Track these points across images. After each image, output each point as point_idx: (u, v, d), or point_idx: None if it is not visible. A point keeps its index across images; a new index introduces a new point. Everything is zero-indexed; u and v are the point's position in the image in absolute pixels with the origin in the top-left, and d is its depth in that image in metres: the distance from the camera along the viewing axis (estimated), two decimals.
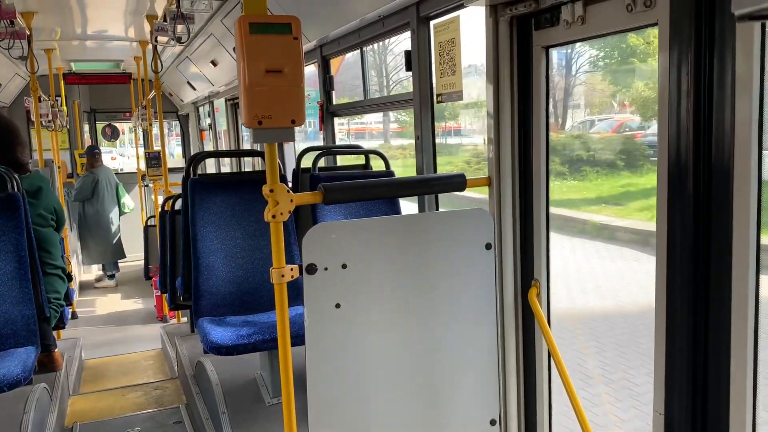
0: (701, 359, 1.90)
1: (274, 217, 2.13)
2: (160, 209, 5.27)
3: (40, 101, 6.71)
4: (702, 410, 1.91)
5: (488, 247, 2.50)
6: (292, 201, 2.15)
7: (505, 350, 2.66)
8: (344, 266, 2.26)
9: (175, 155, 13.93)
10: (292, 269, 2.18)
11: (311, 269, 2.21)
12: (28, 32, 5.26)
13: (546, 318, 2.52)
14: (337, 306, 2.27)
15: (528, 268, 2.61)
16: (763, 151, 1.70)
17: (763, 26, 1.65)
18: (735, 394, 1.81)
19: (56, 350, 4.20)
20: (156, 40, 5.16)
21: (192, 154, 4.82)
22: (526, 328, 2.64)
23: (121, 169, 13.10)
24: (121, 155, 16.89)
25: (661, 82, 1.88)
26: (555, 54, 2.54)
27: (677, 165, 1.86)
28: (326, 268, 2.23)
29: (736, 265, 1.76)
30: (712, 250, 1.84)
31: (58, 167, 7.39)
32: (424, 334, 2.42)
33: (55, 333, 5.56)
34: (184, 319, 6.41)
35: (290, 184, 3.94)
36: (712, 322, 1.87)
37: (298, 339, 2.77)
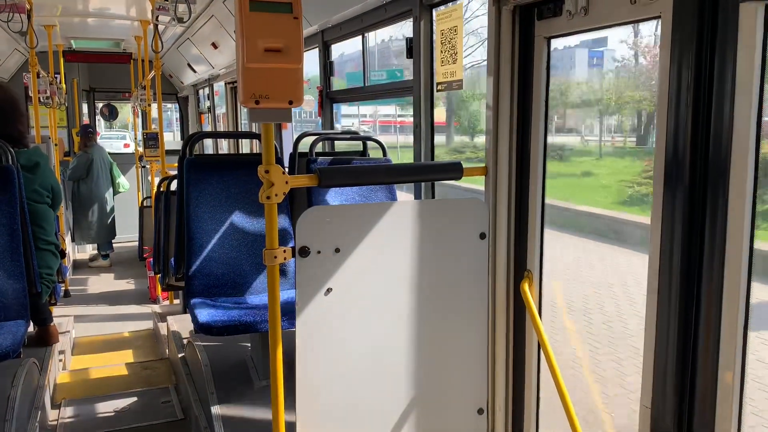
0: (690, 354, 1.90)
1: (268, 198, 2.12)
2: (156, 190, 5.26)
3: (38, 77, 6.67)
4: (689, 404, 1.92)
5: (482, 236, 2.49)
6: (287, 183, 2.14)
7: (495, 340, 2.67)
8: (337, 250, 2.25)
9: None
10: (285, 251, 2.17)
11: (304, 252, 2.20)
12: (28, 6, 5.21)
13: (537, 309, 2.52)
14: (329, 290, 2.26)
15: (521, 259, 2.61)
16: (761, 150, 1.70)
17: (766, 22, 1.64)
18: (722, 389, 1.81)
19: (52, 324, 4.19)
20: (157, 20, 5.12)
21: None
22: (517, 318, 2.64)
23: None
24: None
25: (661, 76, 1.87)
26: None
27: (674, 160, 1.86)
28: (319, 252, 2.22)
29: (728, 262, 1.76)
30: (706, 246, 1.84)
31: (55, 145, 7.35)
32: (414, 321, 2.42)
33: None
34: (177, 301, 6.41)
35: (287, 169, 3.93)
36: (702, 319, 1.87)
37: (289, 321, 2.78)
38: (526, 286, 2.52)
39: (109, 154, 9.22)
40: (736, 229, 1.73)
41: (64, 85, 8.46)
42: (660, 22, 1.88)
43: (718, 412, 1.83)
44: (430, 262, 2.42)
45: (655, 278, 1.96)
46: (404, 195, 4.04)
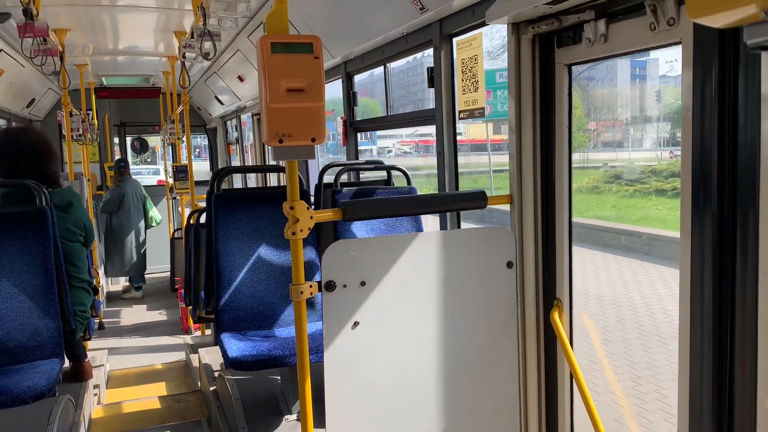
0: (726, 382, 1.85)
1: (294, 234, 2.13)
2: (186, 222, 5.34)
3: (71, 115, 6.85)
4: None
5: (509, 265, 2.47)
6: (312, 218, 2.16)
7: (527, 370, 2.63)
8: (363, 284, 2.25)
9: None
10: (311, 286, 2.18)
11: (330, 286, 2.21)
12: (60, 49, 5.38)
13: (569, 338, 2.49)
14: (356, 324, 2.26)
15: (550, 288, 2.58)
16: None
17: None
18: (762, 416, 1.76)
19: (86, 360, 4.25)
20: (184, 57, 5.25)
21: (219, 167, 4.87)
22: (548, 348, 2.60)
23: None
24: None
25: (685, 101, 1.86)
26: None
27: (702, 183, 1.83)
28: (345, 285, 2.23)
29: (762, 283, 1.72)
30: (737, 268, 1.80)
31: (88, 180, 7.53)
32: (443, 352, 2.40)
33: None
34: (209, 331, 6.46)
35: (312, 200, 3.96)
36: (738, 344, 1.82)
37: (317, 355, 2.78)
38: (556, 316, 2.48)
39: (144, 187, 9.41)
40: None
41: (96, 122, 8.68)
42: (681, 47, 1.87)
43: None
44: (457, 293, 2.40)
45: (687, 303, 1.92)
46: (430, 221, 4.03)
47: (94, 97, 8.89)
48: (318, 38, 2.00)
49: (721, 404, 1.87)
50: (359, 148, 4.86)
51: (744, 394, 1.82)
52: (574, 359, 2.38)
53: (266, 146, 8.83)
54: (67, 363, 4.06)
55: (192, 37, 4.80)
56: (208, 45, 4.41)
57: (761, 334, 1.74)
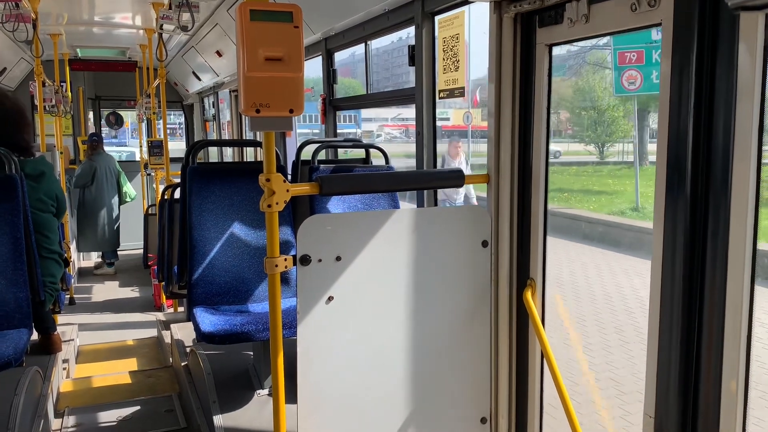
0: (693, 363, 1.89)
1: (269, 206, 2.12)
2: (160, 197, 5.27)
3: (44, 86, 6.70)
4: (693, 413, 1.90)
5: (485, 244, 2.49)
6: (288, 191, 2.14)
7: (498, 349, 2.65)
8: (338, 258, 2.25)
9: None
10: (285, 260, 2.17)
11: (305, 260, 2.20)
12: (33, 16, 5.25)
13: (540, 318, 2.51)
14: (330, 298, 2.26)
15: (524, 267, 2.60)
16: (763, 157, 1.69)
17: (766, 29, 1.63)
18: (726, 397, 1.79)
19: (56, 332, 4.20)
20: (161, 28, 5.16)
21: None
22: (520, 327, 2.63)
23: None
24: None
25: (663, 83, 1.87)
26: None
27: (676, 167, 1.85)
28: (320, 260, 2.22)
29: (731, 268, 1.75)
30: (708, 253, 1.83)
31: (61, 153, 7.39)
32: (416, 329, 2.41)
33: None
34: (181, 309, 6.41)
35: (290, 177, 3.94)
36: (705, 326, 1.86)
37: (290, 330, 2.77)
38: (528, 295, 2.50)
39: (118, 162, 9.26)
40: (739, 236, 1.72)
41: (69, 94, 8.51)
42: (661, 29, 1.88)
43: (722, 420, 1.82)
44: (431, 271, 2.41)
45: (658, 286, 1.95)
46: (407, 203, 4.03)
47: (68, 68, 8.70)
48: (298, 7, 1.98)
49: (687, 385, 1.91)
50: (343, 130, 4.84)
51: (709, 375, 1.85)
52: (546, 338, 2.41)
53: (244, 125, 8.76)
54: (35, 336, 4.00)
55: (170, 8, 4.71)
56: (186, 17, 4.34)
57: (728, 317, 1.77)
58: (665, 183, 1.89)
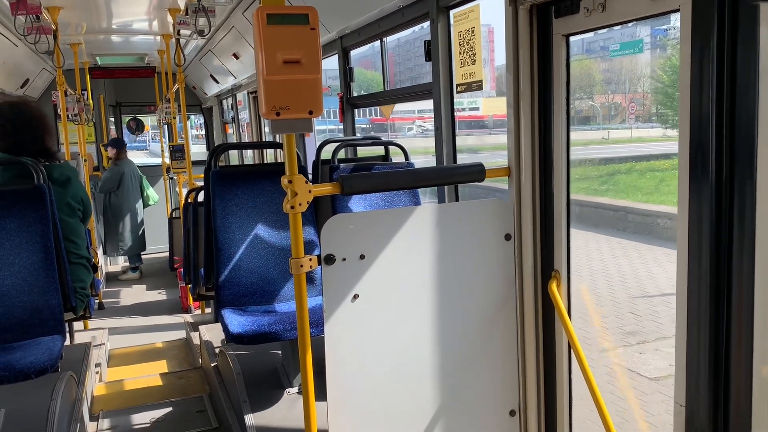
0: (723, 350, 1.87)
1: (292, 207, 2.14)
2: (183, 201, 5.34)
3: (66, 95, 6.81)
4: (724, 401, 1.89)
5: (508, 237, 2.48)
6: (310, 192, 2.16)
7: (525, 341, 2.65)
8: (362, 257, 2.27)
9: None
10: (311, 260, 2.19)
11: (329, 260, 2.22)
12: (53, 27, 5.33)
13: (566, 309, 2.50)
14: (356, 296, 2.27)
15: (548, 259, 2.59)
16: None
17: None
18: (758, 383, 1.78)
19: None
20: (179, 34, 5.21)
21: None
22: (546, 319, 2.62)
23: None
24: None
25: (683, 70, 1.85)
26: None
27: (699, 154, 1.83)
28: (344, 259, 2.24)
29: (759, 256, 1.73)
30: (735, 239, 1.81)
31: (84, 160, 7.51)
32: (442, 324, 2.42)
33: (81, 323, 5.67)
34: (208, 310, 6.49)
35: (311, 176, 3.96)
36: (734, 312, 1.84)
37: (318, 328, 2.80)
38: (554, 287, 2.50)
39: (138, 167, 9.39)
40: (766, 220, 1.70)
41: (91, 102, 8.63)
42: (679, 16, 1.86)
43: (754, 406, 1.80)
44: (455, 265, 2.42)
45: (684, 273, 1.93)
46: (428, 199, 4.04)
47: (88, 77, 8.83)
48: (314, 9, 1.99)
49: (718, 372, 1.89)
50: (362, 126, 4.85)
51: (740, 362, 1.84)
52: (572, 330, 2.40)
53: (262, 125, 8.82)
54: (68, 341, 4.08)
55: (186, 13, 4.76)
56: (202, 21, 4.38)
57: (757, 302, 1.75)
58: (689, 170, 1.87)
